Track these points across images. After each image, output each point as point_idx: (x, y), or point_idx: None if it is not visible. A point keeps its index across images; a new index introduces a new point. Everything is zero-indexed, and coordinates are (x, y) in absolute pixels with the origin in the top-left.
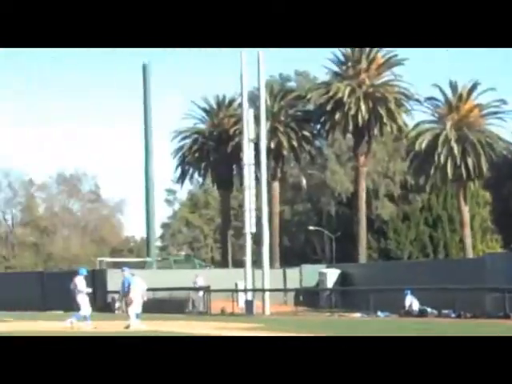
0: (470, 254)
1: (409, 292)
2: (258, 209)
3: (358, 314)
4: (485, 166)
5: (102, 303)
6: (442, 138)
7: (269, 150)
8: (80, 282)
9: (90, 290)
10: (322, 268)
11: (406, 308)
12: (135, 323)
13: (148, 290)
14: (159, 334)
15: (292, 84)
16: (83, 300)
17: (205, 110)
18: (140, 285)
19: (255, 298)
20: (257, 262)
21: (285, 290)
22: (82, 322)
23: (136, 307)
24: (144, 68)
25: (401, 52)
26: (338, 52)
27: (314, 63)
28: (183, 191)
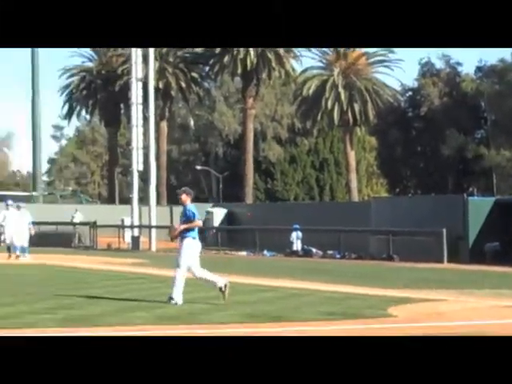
0: (356, 198)
1: (298, 227)
2: (146, 147)
3: (244, 253)
4: (371, 113)
5: None
6: (329, 84)
7: (157, 90)
8: None
9: None
10: (209, 207)
11: (294, 244)
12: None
13: (34, 223)
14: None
15: None
16: None
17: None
18: (25, 217)
19: (142, 235)
20: (143, 200)
21: (171, 228)
22: None
23: (22, 240)
24: None
25: None
26: None
27: None
28: (70, 128)
